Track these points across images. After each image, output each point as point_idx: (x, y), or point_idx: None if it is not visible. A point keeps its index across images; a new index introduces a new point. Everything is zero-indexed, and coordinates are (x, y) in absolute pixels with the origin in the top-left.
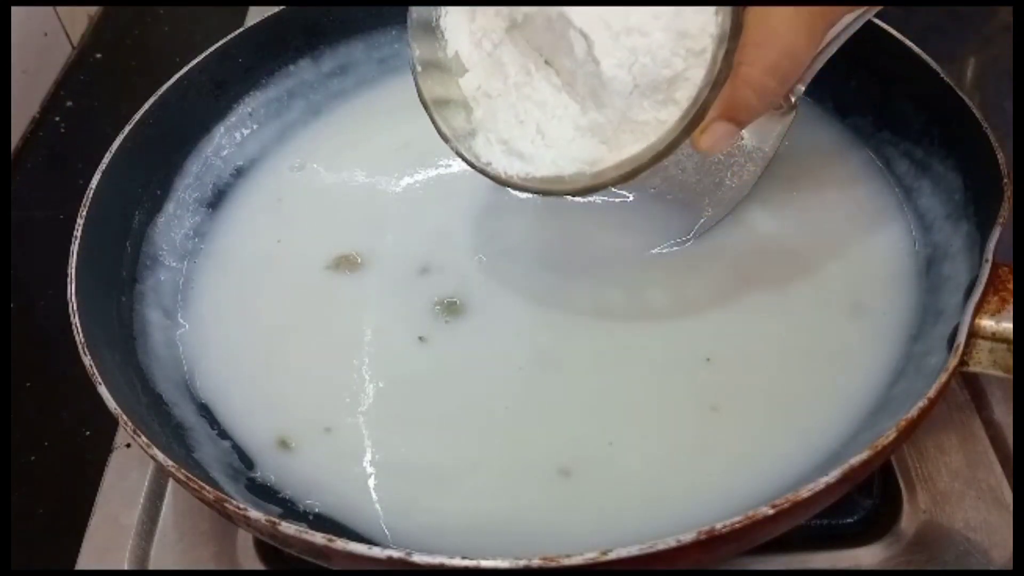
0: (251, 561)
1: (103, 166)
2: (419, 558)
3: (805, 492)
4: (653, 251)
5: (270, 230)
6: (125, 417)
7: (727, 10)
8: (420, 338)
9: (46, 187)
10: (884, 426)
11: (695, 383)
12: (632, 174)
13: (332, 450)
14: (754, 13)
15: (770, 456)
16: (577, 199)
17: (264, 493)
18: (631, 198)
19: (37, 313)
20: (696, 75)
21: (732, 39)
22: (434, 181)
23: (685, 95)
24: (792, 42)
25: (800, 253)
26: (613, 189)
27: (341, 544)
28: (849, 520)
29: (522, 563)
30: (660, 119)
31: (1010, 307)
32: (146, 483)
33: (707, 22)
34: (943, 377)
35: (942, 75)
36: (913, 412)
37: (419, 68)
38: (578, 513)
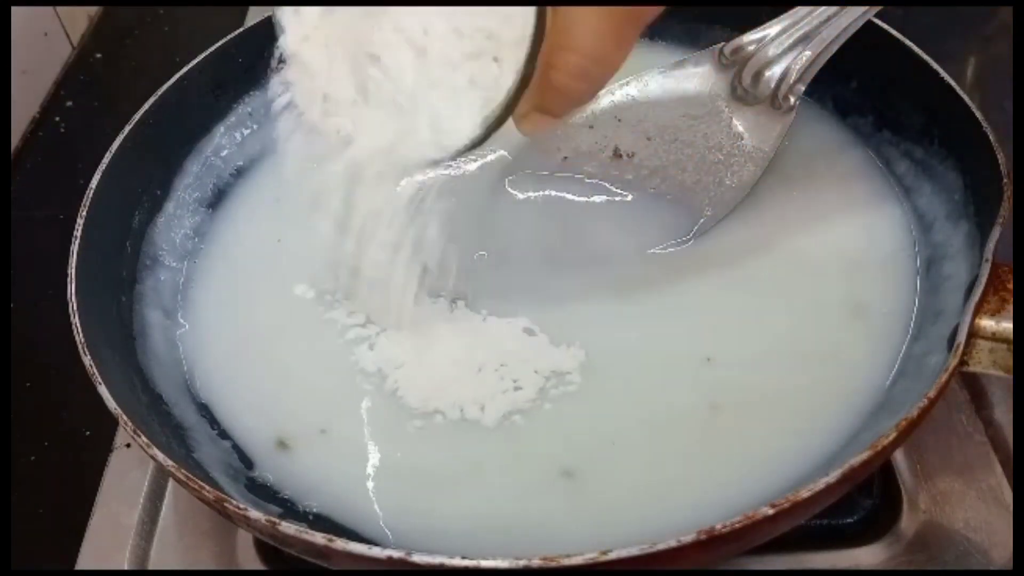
0: (251, 561)
1: (103, 166)
2: (419, 558)
3: (805, 492)
4: (653, 251)
5: (270, 230)
6: (125, 417)
7: (532, 17)
8: None
9: (46, 187)
10: (884, 426)
11: (696, 383)
12: (454, 156)
13: (329, 451)
14: (564, 17)
15: (770, 456)
16: (577, 197)
17: (264, 493)
18: (630, 198)
19: (37, 313)
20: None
21: (533, 43)
22: (434, 179)
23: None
24: (598, 47)
25: (800, 253)
26: (612, 188)
27: (341, 544)
28: (849, 520)
29: (522, 563)
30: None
31: (1010, 307)
32: (146, 483)
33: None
34: (943, 377)
35: (942, 75)
36: (913, 412)
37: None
38: (580, 513)
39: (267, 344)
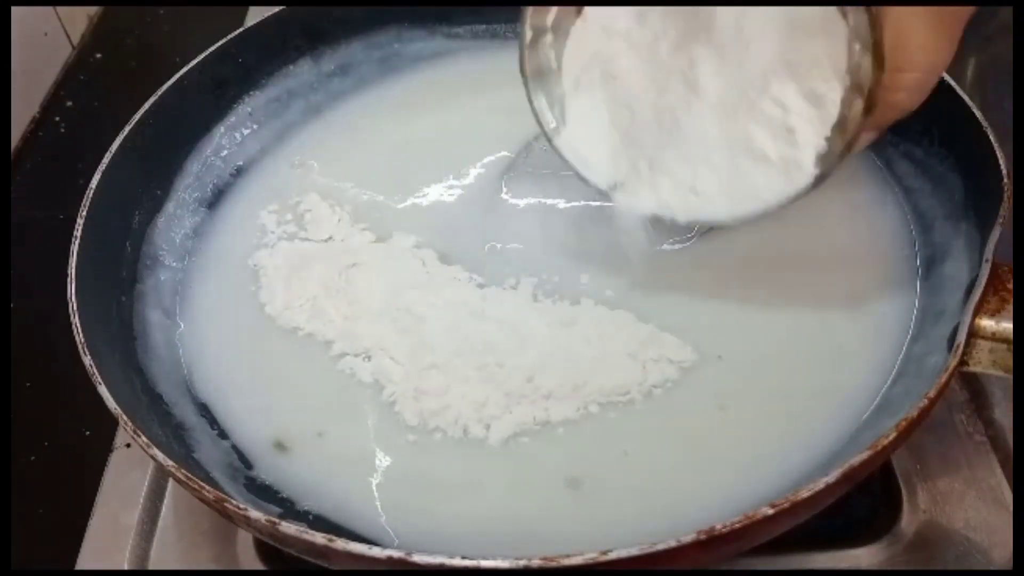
0: (251, 561)
1: (103, 166)
2: (419, 558)
3: (805, 492)
4: (655, 251)
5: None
6: (125, 417)
7: (865, 46)
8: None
9: (46, 187)
10: (884, 426)
11: (706, 383)
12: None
13: (327, 454)
14: (894, 37)
15: (770, 456)
16: (577, 198)
17: (264, 493)
18: None
19: (37, 313)
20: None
21: (876, 72)
22: (436, 178)
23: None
24: (934, 59)
25: (801, 253)
26: None
27: (341, 544)
28: (849, 520)
29: (522, 563)
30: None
31: (1010, 307)
32: (146, 483)
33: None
34: (943, 377)
35: (942, 75)
36: (913, 412)
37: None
38: (583, 515)
39: (264, 345)
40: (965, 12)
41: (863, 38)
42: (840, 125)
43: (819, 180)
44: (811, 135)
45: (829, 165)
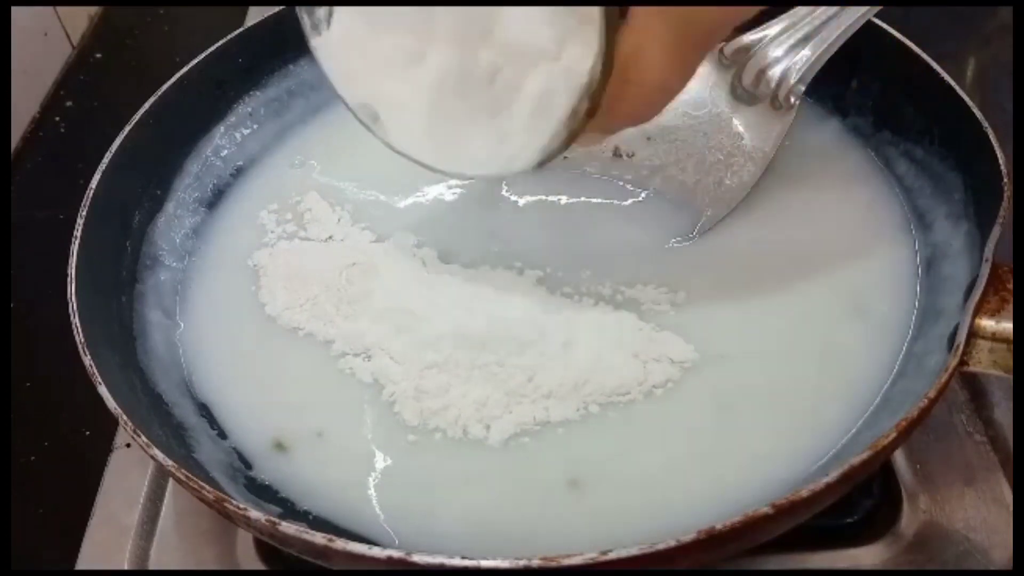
0: (251, 561)
1: (103, 166)
2: (419, 558)
3: (805, 492)
4: (655, 251)
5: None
6: (125, 417)
7: (598, 52)
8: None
9: (46, 187)
10: (884, 426)
11: (707, 382)
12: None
13: (326, 454)
14: (630, 50)
15: (771, 455)
16: (577, 198)
17: (264, 493)
18: (629, 199)
19: (37, 313)
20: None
21: (602, 78)
22: (436, 177)
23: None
24: (662, 80)
25: (801, 253)
26: (612, 189)
27: (341, 544)
28: (849, 520)
29: (522, 563)
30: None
31: (1010, 307)
32: (146, 483)
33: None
34: (943, 377)
35: (942, 75)
36: (913, 412)
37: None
38: (584, 516)
39: (264, 345)
40: (706, 42)
41: (601, 40)
42: (567, 118)
43: (537, 165)
44: (544, 119)
45: (549, 155)
